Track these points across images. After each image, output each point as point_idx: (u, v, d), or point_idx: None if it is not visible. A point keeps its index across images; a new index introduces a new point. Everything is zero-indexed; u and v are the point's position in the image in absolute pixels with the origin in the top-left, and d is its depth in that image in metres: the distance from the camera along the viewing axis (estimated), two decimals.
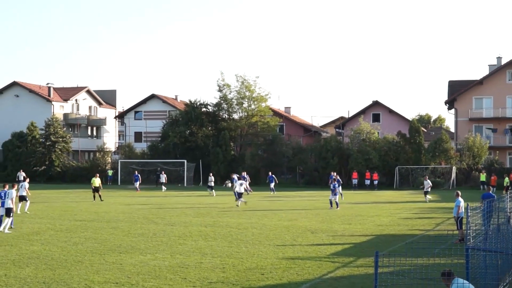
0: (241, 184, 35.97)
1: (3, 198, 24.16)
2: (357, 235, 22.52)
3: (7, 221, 23.16)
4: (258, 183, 63.13)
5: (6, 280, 14.09)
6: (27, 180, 33.77)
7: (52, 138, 70.46)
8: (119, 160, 68.71)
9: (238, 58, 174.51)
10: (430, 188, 40.06)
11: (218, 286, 13.72)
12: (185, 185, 60.46)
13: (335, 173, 42.06)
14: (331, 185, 34.29)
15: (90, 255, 17.63)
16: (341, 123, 78.42)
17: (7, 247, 19.10)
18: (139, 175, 53.34)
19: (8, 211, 23.18)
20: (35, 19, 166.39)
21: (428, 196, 39.56)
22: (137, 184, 51.24)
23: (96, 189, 38.78)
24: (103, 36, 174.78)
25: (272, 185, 48.55)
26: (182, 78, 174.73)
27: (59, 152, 70.71)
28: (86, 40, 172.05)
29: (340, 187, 40.10)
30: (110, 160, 75.52)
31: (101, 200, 38.25)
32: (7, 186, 25.25)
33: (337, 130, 78.84)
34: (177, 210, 32.98)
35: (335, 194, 33.46)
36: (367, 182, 57.58)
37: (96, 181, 38.92)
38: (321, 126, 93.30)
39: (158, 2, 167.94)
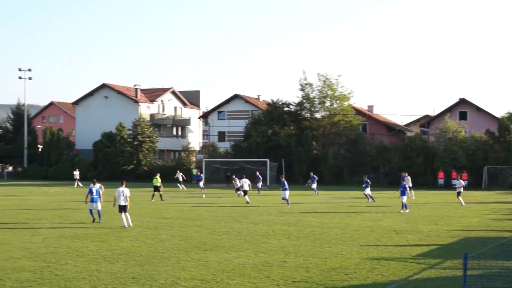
0: (245, 182, 38.96)
1: (93, 194, 25.84)
2: (444, 236, 21.95)
3: (123, 216, 24.40)
4: (341, 182, 62.73)
5: (98, 274, 14.63)
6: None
7: (139, 138, 72.57)
8: (203, 160, 69.83)
9: (321, 57, 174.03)
10: (462, 189, 36.92)
11: (301, 285, 13.72)
12: (268, 184, 60.74)
13: (406, 173, 40.89)
14: (400, 186, 32.74)
15: (176, 252, 18.04)
16: (426, 121, 76.60)
17: (98, 243, 19.83)
18: (201, 174, 52.17)
19: (124, 208, 24.38)
20: (122, 24, 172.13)
21: (460, 198, 36.29)
22: (201, 183, 49.82)
23: (156, 189, 39.60)
24: (187, 38, 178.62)
25: (315, 185, 47.08)
26: (264, 78, 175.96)
27: (146, 151, 72.71)
28: (171, 43, 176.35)
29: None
30: (194, 160, 76.96)
31: (162, 200, 38.93)
32: (96, 184, 26.68)
33: (422, 128, 77.08)
34: (260, 209, 33.23)
35: (404, 195, 31.90)
36: (454, 182, 55.94)
37: (157, 181, 39.75)
38: (405, 125, 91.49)
39: (239, 3, 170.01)
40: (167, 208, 33.61)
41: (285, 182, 35.90)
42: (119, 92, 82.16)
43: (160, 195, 39.27)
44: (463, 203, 35.70)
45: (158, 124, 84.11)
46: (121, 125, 74.09)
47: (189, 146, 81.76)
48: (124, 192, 24.49)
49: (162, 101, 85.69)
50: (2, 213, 30.32)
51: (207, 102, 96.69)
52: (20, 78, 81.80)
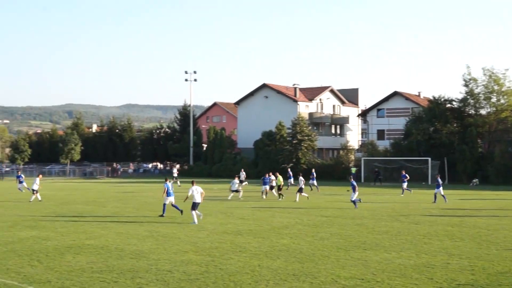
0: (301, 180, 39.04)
1: (169, 189, 27.82)
2: None
3: (194, 213, 25.23)
4: (509, 182, 59.35)
5: (260, 270, 15.08)
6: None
7: (298, 136, 73.57)
8: (362, 158, 69.32)
9: (485, 51, 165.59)
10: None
11: None
12: (429, 183, 58.94)
13: None
14: None
15: (335, 250, 18.09)
16: None
17: (260, 239, 20.41)
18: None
19: (197, 205, 25.22)
20: (281, 26, 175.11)
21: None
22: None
23: (279, 187, 40.18)
24: (345, 37, 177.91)
25: (405, 185, 42.95)
26: (425, 74, 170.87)
27: (305, 150, 73.54)
28: (330, 42, 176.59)
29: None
30: (353, 158, 76.60)
31: (282, 196, 39.33)
32: (168, 180, 28.69)
33: None
34: (421, 208, 32.34)
35: None
36: None
37: (280, 179, 40.41)
38: None
39: (395, 2, 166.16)
40: (326, 206, 33.79)
41: (354, 183, 32.96)
42: (278, 91, 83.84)
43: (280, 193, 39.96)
44: None
45: (317, 122, 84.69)
46: (280, 124, 75.62)
47: (348, 144, 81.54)
48: (198, 190, 25.26)
49: (320, 99, 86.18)
50: (172, 209, 32.16)
51: (366, 100, 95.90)
52: (186, 80, 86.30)
